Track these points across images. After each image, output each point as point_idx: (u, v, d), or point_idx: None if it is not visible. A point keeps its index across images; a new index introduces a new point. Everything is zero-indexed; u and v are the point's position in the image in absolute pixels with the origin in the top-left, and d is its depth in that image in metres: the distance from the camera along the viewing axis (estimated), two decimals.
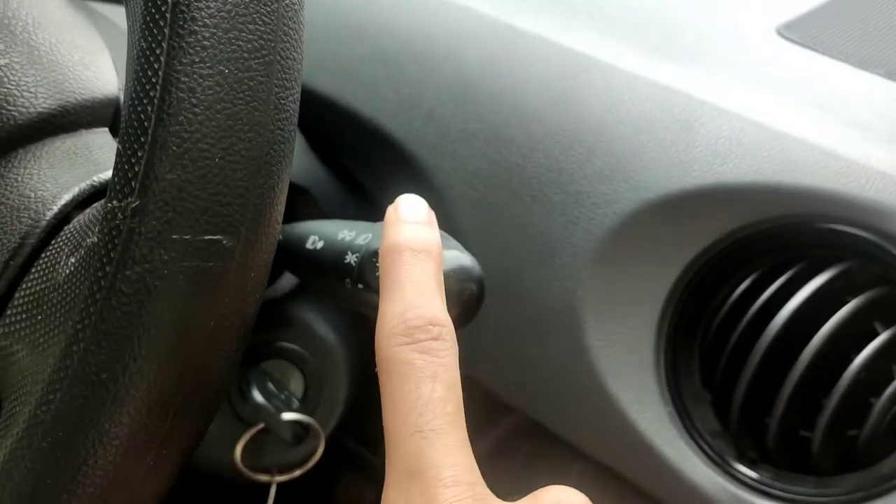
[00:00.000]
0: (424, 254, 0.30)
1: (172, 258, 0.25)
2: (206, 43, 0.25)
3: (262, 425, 0.46)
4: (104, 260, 0.25)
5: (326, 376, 0.49)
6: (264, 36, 0.26)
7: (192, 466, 0.47)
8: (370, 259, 0.33)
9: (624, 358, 0.44)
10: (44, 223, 0.31)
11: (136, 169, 0.25)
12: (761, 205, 0.42)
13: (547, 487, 0.29)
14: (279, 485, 0.47)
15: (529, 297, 0.46)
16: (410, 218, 0.31)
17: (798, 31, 0.53)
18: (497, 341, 0.48)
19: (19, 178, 0.32)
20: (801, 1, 0.57)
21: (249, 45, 0.26)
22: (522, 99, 0.48)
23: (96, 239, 0.26)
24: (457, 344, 0.29)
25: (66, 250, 0.29)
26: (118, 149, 0.26)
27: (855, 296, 0.41)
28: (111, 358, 0.25)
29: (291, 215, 0.47)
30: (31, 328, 0.28)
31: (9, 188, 0.32)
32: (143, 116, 0.25)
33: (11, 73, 0.34)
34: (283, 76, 0.27)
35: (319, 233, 0.37)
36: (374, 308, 0.33)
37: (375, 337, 0.29)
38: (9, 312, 0.30)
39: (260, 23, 0.26)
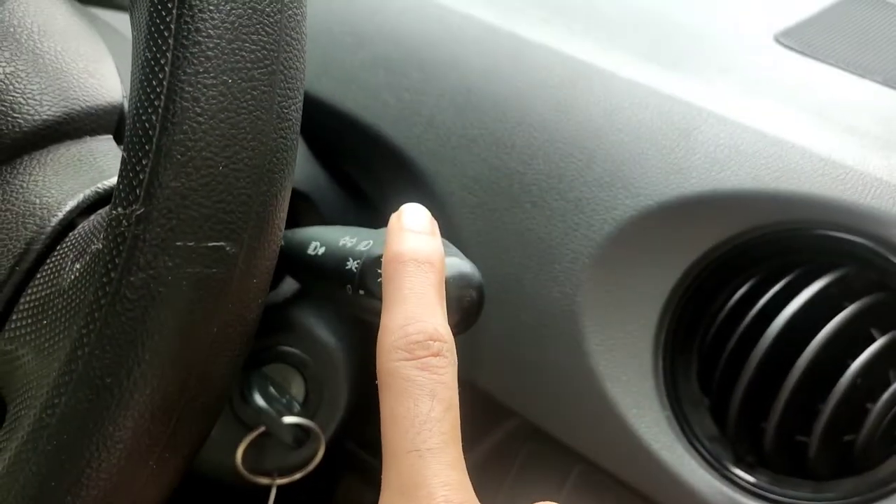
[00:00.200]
0: (428, 265, 0.30)
1: (176, 265, 0.25)
2: (210, 53, 0.25)
3: (263, 429, 0.47)
4: (109, 266, 0.25)
5: (327, 380, 0.50)
6: (267, 46, 0.26)
7: (194, 469, 0.47)
8: (371, 265, 0.33)
9: (623, 363, 0.44)
10: (49, 229, 0.32)
11: (141, 177, 0.25)
12: (759, 211, 0.42)
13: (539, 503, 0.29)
14: (280, 487, 0.48)
15: (529, 302, 0.46)
16: (414, 227, 0.31)
17: (796, 39, 0.54)
18: (497, 346, 0.48)
19: (24, 185, 0.33)
20: (799, 8, 0.57)
21: (252, 56, 0.26)
22: (523, 106, 0.49)
23: (101, 245, 0.26)
24: (456, 358, 0.30)
25: (71, 256, 0.30)
26: (123, 157, 0.26)
27: (852, 302, 0.41)
28: (115, 363, 0.25)
29: (293, 221, 0.47)
30: (37, 333, 0.29)
31: (14, 194, 0.33)
32: (147, 125, 0.25)
33: (17, 81, 0.34)
34: (286, 85, 0.27)
35: (321, 239, 0.37)
36: (375, 314, 0.34)
37: (377, 349, 0.29)
38: (14, 317, 0.30)
39: (263, 33, 0.26)
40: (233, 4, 0.26)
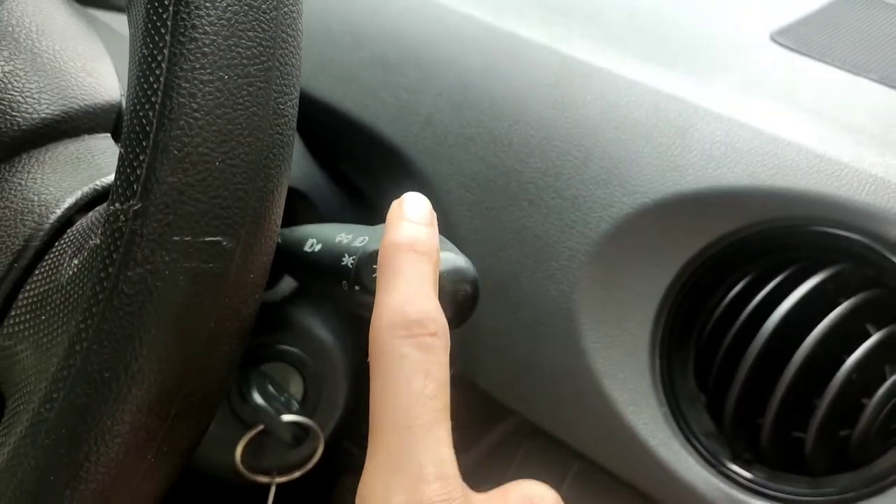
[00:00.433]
0: (426, 256, 0.31)
1: (173, 259, 0.25)
2: (206, 49, 0.25)
3: (261, 427, 0.47)
4: (107, 261, 0.26)
5: (325, 379, 0.50)
6: (263, 43, 0.26)
7: (193, 467, 0.47)
8: (367, 261, 0.33)
9: (620, 360, 0.44)
10: (47, 226, 0.32)
11: (138, 172, 0.25)
12: (755, 208, 0.42)
13: (518, 481, 0.30)
14: (279, 486, 0.48)
15: (526, 300, 0.47)
16: (414, 217, 0.32)
17: (792, 37, 0.54)
18: (494, 344, 0.48)
19: (23, 183, 0.33)
20: (795, 7, 0.57)
21: (249, 52, 0.26)
22: (520, 104, 0.49)
23: (99, 241, 0.26)
24: (450, 343, 0.30)
25: (70, 252, 0.30)
26: (120, 153, 0.26)
27: (847, 298, 0.41)
28: (113, 357, 0.25)
29: (291, 219, 0.48)
30: (35, 328, 0.29)
31: (13, 192, 0.33)
32: (144, 121, 0.25)
33: (16, 80, 0.34)
34: (282, 82, 0.27)
35: (317, 236, 0.37)
36: (370, 310, 0.34)
37: (371, 326, 0.29)
38: (13, 313, 0.30)
39: (259, 30, 0.26)
40: (229, 1, 0.26)
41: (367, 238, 0.35)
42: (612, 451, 0.45)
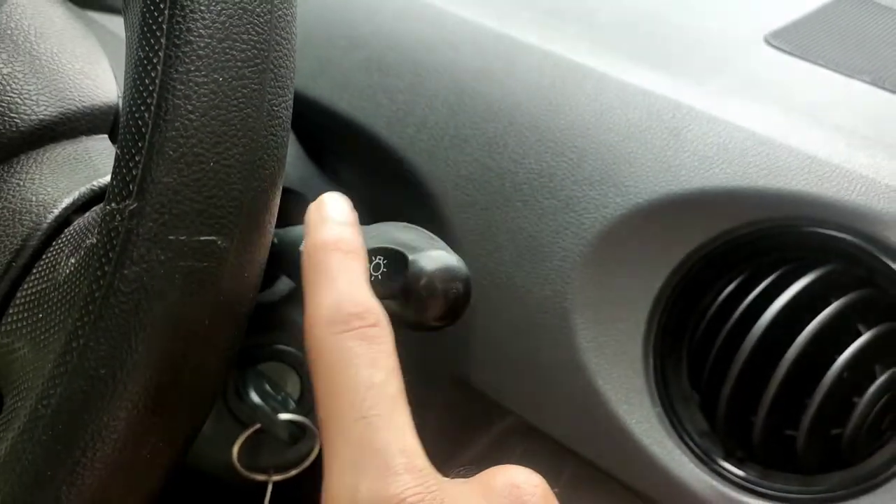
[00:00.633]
0: (353, 254, 0.30)
1: (169, 258, 0.26)
2: (201, 52, 0.26)
3: (258, 426, 0.47)
4: (103, 260, 0.26)
5: None
6: (257, 45, 0.27)
7: (191, 466, 0.48)
8: None
9: (613, 359, 0.45)
10: (45, 226, 0.32)
11: (134, 172, 0.26)
12: (747, 209, 0.43)
13: (500, 467, 0.28)
14: (275, 484, 0.48)
15: (520, 300, 0.47)
16: (336, 217, 0.31)
17: (785, 40, 0.54)
18: (488, 343, 0.49)
19: (21, 183, 0.33)
20: (789, 10, 0.58)
21: (243, 55, 0.26)
22: (515, 106, 0.49)
23: (95, 240, 0.26)
24: (392, 332, 0.29)
25: (67, 251, 0.30)
26: (117, 153, 0.27)
27: (838, 297, 0.41)
28: (110, 354, 0.26)
29: (287, 221, 0.48)
30: (33, 326, 0.29)
31: (11, 192, 0.33)
32: (140, 122, 0.26)
33: (14, 82, 0.35)
34: (276, 84, 0.28)
35: None
36: None
37: (305, 327, 0.28)
38: (11, 311, 0.31)
39: (253, 32, 0.27)
40: (223, 5, 0.26)
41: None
42: (605, 450, 0.45)
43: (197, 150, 0.26)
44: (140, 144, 0.26)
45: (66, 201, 0.33)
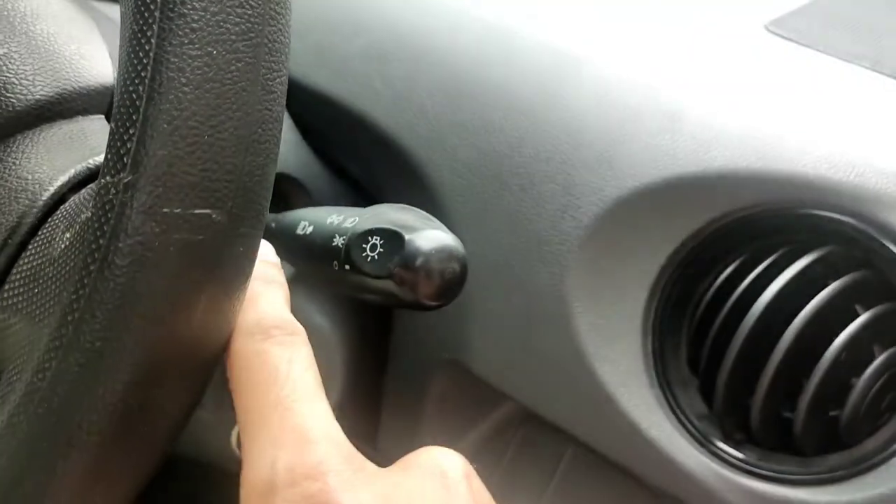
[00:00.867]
0: (275, 284, 0.32)
1: (163, 231, 0.26)
2: (195, 25, 0.26)
3: None
4: (98, 233, 0.26)
5: (321, 365, 0.50)
6: (252, 19, 0.27)
7: (190, 454, 0.48)
8: (356, 241, 0.34)
9: (612, 343, 0.45)
10: (40, 203, 0.32)
11: (129, 145, 0.26)
12: (745, 192, 0.43)
13: (424, 448, 0.29)
14: None
15: (518, 285, 0.47)
16: (261, 258, 0.33)
17: (786, 28, 0.54)
18: (486, 329, 0.49)
19: (18, 162, 0.34)
20: None
21: (237, 28, 0.26)
22: (513, 92, 0.49)
23: (90, 213, 0.26)
24: (310, 345, 0.30)
25: (62, 227, 0.31)
26: (111, 127, 0.27)
27: (836, 279, 0.41)
28: (105, 327, 0.26)
29: (286, 207, 0.48)
30: (28, 301, 0.29)
31: (7, 171, 0.33)
32: (134, 95, 0.26)
33: (10, 62, 0.35)
34: (271, 59, 0.28)
35: (309, 219, 0.38)
36: (361, 290, 0.34)
37: (230, 345, 0.29)
38: (7, 287, 0.31)
39: (247, 6, 0.27)
40: None
41: (356, 219, 0.35)
42: (604, 434, 0.45)
43: (191, 123, 0.26)
44: (134, 117, 0.26)
45: (62, 179, 0.33)
